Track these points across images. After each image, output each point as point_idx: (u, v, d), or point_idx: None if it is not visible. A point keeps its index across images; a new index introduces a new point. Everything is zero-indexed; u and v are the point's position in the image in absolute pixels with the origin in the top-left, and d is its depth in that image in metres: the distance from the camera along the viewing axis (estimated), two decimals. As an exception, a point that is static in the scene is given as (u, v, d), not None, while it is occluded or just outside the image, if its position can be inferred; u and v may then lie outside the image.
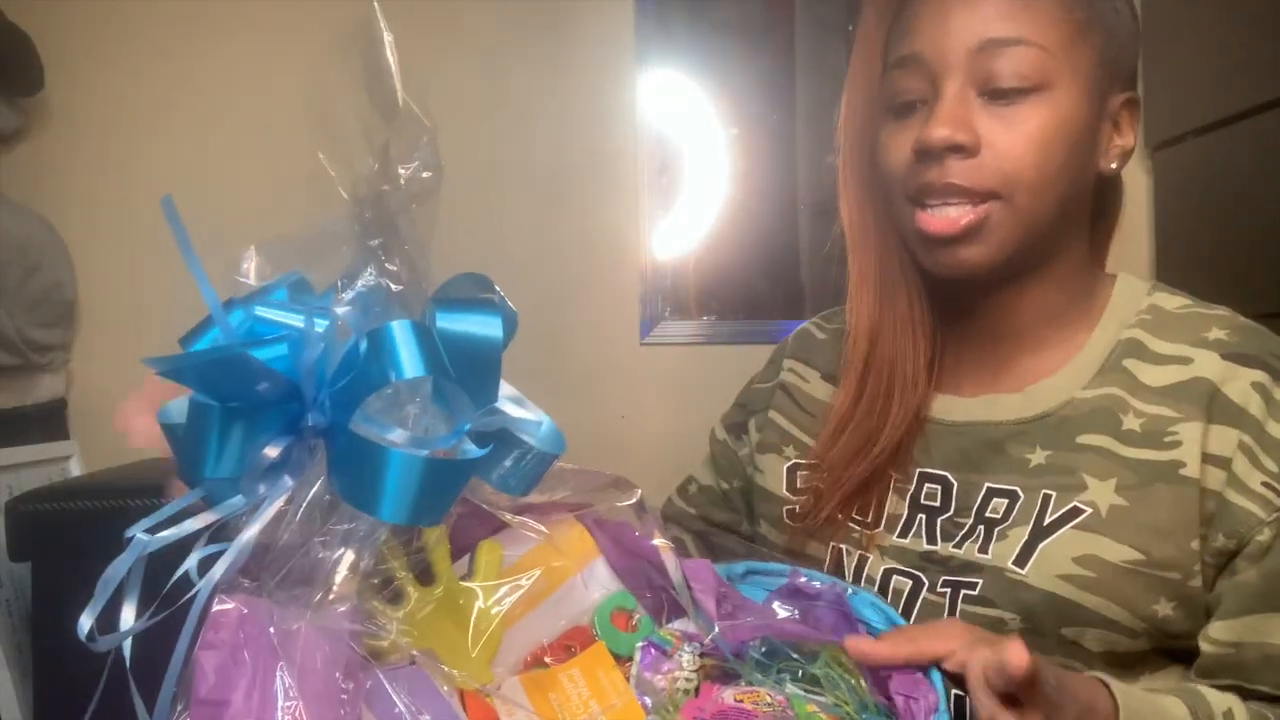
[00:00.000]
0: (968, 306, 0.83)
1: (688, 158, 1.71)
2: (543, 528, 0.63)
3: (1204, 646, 0.73)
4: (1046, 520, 0.75)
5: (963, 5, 0.75)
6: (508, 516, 0.62)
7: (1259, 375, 0.73)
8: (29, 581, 1.25)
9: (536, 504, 0.63)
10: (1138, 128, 0.81)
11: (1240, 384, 0.73)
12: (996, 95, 0.75)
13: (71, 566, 1.25)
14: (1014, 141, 0.74)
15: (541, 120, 1.67)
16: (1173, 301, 0.81)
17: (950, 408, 0.83)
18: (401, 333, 0.50)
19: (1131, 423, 0.76)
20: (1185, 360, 0.76)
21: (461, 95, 1.63)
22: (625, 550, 0.68)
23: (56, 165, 1.61)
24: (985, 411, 0.82)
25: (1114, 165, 0.80)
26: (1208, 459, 0.73)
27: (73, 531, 1.24)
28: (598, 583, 0.66)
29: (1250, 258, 1.29)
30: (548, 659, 0.63)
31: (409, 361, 0.50)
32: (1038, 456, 0.78)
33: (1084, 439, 0.77)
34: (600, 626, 0.65)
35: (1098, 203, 0.84)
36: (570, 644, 0.64)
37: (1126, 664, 0.75)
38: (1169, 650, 0.76)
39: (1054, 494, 0.76)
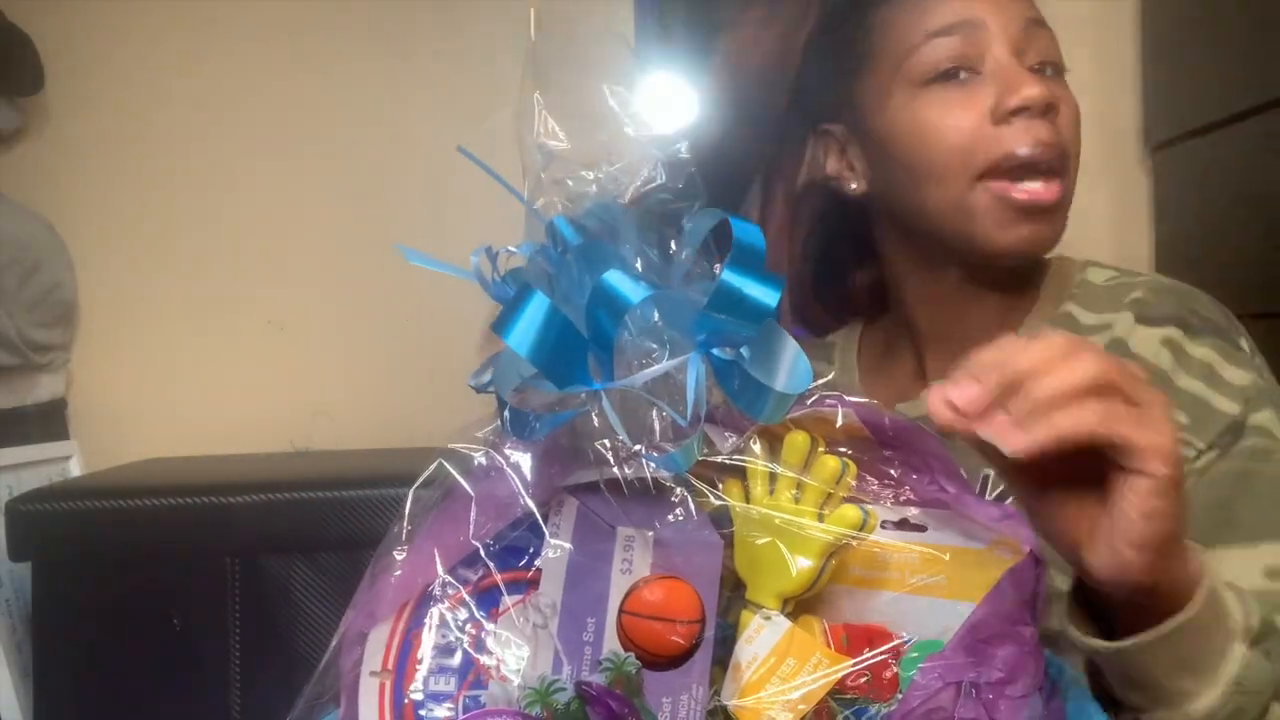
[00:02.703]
0: (966, 304, 0.83)
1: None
2: (981, 541, 0.60)
3: None
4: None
5: None
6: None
7: (1169, 331, 0.73)
8: (29, 581, 1.25)
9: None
10: None
11: (1151, 342, 0.73)
12: (1039, 70, 0.77)
13: (71, 566, 1.25)
14: (1068, 114, 0.76)
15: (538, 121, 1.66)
16: (1102, 275, 0.81)
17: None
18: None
19: None
20: (1107, 327, 0.76)
21: (459, 95, 1.63)
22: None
23: (56, 165, 1.61)
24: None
25: None
26: None
27: (73, 531, 1.24)
28: (953, 620, 0.59)
29: (1250, 258, 1.28)
30: (845, 635, 0.58)
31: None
32: None
33: None
34: (907, 661, 0.58)
35: None
36: (872, 639, 0.58)
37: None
38: None
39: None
